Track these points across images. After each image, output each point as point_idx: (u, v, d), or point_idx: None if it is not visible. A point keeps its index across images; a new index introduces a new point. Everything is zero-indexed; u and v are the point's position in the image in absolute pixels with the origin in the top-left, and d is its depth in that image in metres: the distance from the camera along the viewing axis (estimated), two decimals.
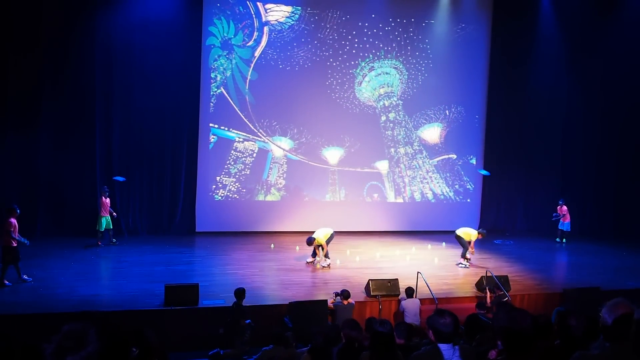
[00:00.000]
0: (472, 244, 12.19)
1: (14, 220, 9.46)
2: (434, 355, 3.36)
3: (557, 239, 15.24)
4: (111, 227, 12.61)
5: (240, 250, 12.84)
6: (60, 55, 12.96)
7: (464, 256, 12.20)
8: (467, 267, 11.95)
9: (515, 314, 2.79)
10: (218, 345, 7.97)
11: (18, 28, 12.52)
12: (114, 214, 12.68)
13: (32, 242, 9.84)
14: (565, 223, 15.11)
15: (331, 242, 11.92)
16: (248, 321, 8.17)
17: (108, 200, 12.54)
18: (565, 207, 15.15)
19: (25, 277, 9.55)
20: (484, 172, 15.67)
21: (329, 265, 11.56)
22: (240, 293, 8.37)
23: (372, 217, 15.85)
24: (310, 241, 11.56)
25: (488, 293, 9.62)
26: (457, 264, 12.17)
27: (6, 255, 9.32)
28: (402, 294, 9.49)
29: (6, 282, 9.30)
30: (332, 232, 11.88)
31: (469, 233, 12.28)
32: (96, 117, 13.35)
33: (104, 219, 12.40)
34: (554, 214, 15.30)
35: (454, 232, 12.58)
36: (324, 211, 15.29)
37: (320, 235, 11.62)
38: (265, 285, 10.26)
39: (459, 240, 12.38)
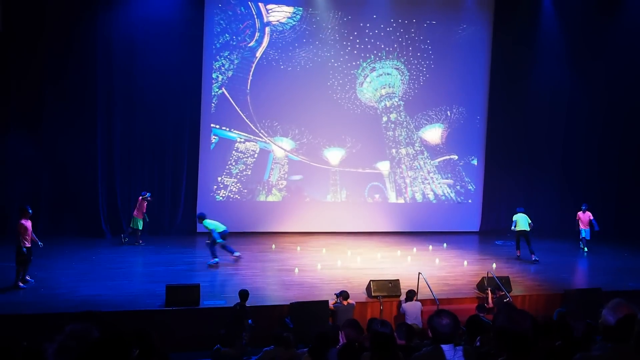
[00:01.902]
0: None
1: (24, 222, 9.30)
2: (434, 356, 3.35)
3: (585, 249, 14.33)
4: (141, 228, 12.90)
5: (241, 250, 12.81)
6: (62, 56, 12.97)
7: (533, 251, 12.82)
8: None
9: (515, 315, 2.79)
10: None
11: (20, 27, 12.55)
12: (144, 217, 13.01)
13: (33, 242, 9.79)
14: (585, 230, 14.26)
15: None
16: (249, 322, 8.18)
17: (145, 203, 12.87)
18: (588, 213, 14.30)
19: (27, 278, 9.53)
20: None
21: (216, 264, 11.34)
22: (244, 294, 8.37)
23: (373, 217, 15.84)
24: (200, 216, 11.83)
25: (489, 294, 9.60)
26: (534, 260, 12.69)
27: (18, 256, 9.19)
28: (404, 296, 9.47)
29: (21, 284, 9.25)
30: (223, 228, 11.63)
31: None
32: (98, 117, 13.37)
33: (140, 220, 12.77)
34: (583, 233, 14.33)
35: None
36: (325, 212, 15.31)
37: (213, 222, 11.60)
38: (266, 285, 10.26)
39: (527, 235, 12.97)
